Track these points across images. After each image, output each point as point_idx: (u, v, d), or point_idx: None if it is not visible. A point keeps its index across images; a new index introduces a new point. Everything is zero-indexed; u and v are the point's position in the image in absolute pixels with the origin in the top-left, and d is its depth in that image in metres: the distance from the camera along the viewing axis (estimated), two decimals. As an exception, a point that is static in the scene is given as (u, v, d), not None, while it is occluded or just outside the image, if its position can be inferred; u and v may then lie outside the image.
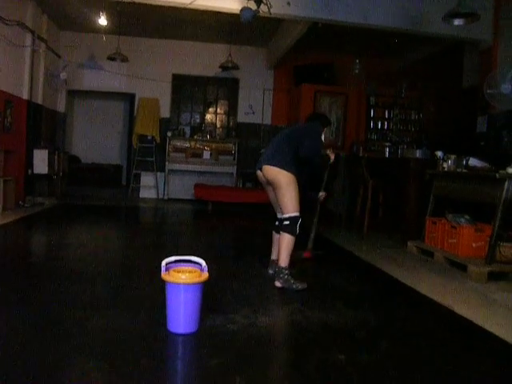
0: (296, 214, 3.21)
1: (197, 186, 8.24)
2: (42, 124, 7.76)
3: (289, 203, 3.22)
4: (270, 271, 3.49)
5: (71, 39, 8.69)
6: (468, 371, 2.11)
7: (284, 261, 3.18)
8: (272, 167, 3.28)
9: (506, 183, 3.83)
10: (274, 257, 3.52)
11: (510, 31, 5.74)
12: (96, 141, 10.49)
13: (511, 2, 5.73)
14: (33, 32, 7.05)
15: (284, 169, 3.24)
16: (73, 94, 9.60)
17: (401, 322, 2.77)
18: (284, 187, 3.22)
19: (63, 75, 7.84)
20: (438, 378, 2.03)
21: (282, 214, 3.27)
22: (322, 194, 4.11)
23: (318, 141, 3.51)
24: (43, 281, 3.22)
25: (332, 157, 3.80)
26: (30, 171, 7.21)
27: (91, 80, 8.95)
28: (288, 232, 3.19)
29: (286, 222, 3.20)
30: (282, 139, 3.43)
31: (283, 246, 3.20)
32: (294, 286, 3.11)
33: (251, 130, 9.44)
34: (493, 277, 3.76)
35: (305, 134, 3.48)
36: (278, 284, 3.16)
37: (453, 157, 4.63)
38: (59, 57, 8.47)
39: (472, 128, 6.32)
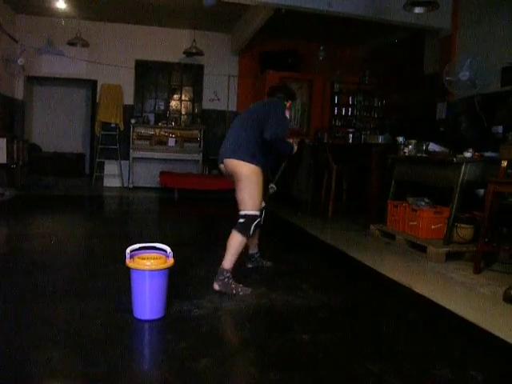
0: (254, 212, 2.84)
1: (162, 173, 8.16)
2: (-1, 111, 7.49)
3: (247, 199, 2.85)
4: (249, 265, 3.38)
5: (28, 23, 8.37)
6: (425, 346, 2.21)
7: (227, 262, 2.82)
8: (232, 160, 2.90)
9: (463, 167, 3.98)
10: (251, 251, 3.39)
11: (469, 20, 5.91)
12: (57, 129, 10.18)
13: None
14: (-14, 15, 6.77)
15: (245, 160, 2.85)
16: (32, 81, 9.27)
17: (363, 301, 2.86)
18: (243, 180, 2.85)
19: (20, 61, 7.57)
20: (398, 352, 2.12)
21: (239, 209, 2.89)
22: (272, 186, 3.45)
23: (283, 118, 3.00)
24: (4, 272, 3.14)
25: (295, 147, 3.13)
26: (-13, 161, 6.96)
27: (51, 66, 8.65)
28: (240, 232, 2.81)
29: (241, 220, 2.83)
30: (241, 124, 2.98)
31: (231, 245, 2.82)
32: (234, 292, 2.75)
33: (217, 117, 9.40)
34: (450, 257, 3.92)
35: (267, 111, 2.96)
36: (216, 287, 2.79)
37: (413, 142, 4.76)
38: (16, 41, 8.15)
39: (432, 114, 6.50)
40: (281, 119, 2.95)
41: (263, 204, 3.05)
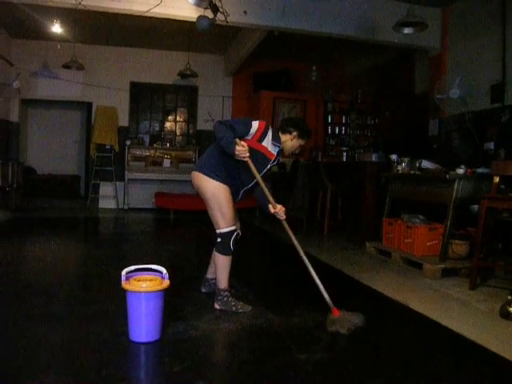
0: (228, 229, 2.77)
1: (157, 194, 8.17)
2: (-6, 134, 7.51)
3: (218, 216, 2.76)
4: (203, 289, 3.21)
5: (24, 47, 8.46)
6: (422, 364, 2.20)
7: (221, 282, 2.83)
8: (195, 173, 2.85)
9: (456, 183, 4.02)
10: (208, 275, 3.20)
11: (458, 39, 6.03)
12: (52, 151, 10.21)
13: (457, 11, 6.02)
14: (-18, 40, 6.83)
15: (207, 175, 2.77)
16: (27, 103, 9.32)
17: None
18: (209, 199, 2.77)
19: (16, 84, 7.61)
20: (395, 370, 2.11)
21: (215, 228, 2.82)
22: (270, 207, 2.88)
23: (241, 120, 2.82)
24: (-2, 296, 3.12)
25: (237, 149, 2.62)
26: (-19, 183, 6.95)
27: (46, 89, 8.72)
28: (221, 252, 2.80)
29: (218, 240, 2.80)
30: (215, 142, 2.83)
31: (218, 266, 2.83)
32: (234, 309, 2.78)
33: (211, 138, 9.44)
34: (446, 273, 3.93)
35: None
36: (216, 306, 2.83)
37: (406, 159, 4.81)
38: (12, 65, 8.22)
39: (424, 131, 6.58)
40: (238, 119, 2.86)
41: (238, 226, 2.93)
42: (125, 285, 2.30)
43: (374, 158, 5.77)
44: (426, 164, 4.62)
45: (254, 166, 2.76)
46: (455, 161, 4.85)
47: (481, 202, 3.60)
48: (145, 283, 2.30)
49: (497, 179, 3.62)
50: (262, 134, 2.82)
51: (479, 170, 4.18)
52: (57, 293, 3.22)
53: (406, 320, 2.89)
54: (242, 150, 2.65)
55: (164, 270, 2.38)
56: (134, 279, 2.34)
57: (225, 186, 2.78)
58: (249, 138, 2.77)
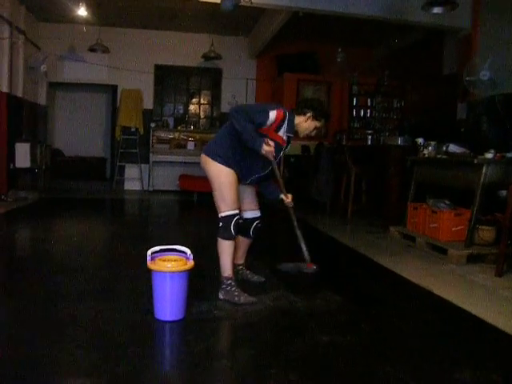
0: (229, 212, 2.69)
1: (182, 176, 8.24)
2: (23, 117, 7.66)
3: (220, 201, 2.72)
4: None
5: (51, 30, 8.56)
6: (445, 348, 2.19)
7: (224, 270, 2.74)
8: (203, 155, 2.79)
9: (484, 168, 3.93)
10: (236, 261, 3.03)
11: (489, 19, 5.83)
12: (79, 133, 10.36)
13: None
14: (10, 23, 6.93)
15: (211, 157, 2.71)
16: (54, 87, 9.46)
17: (382, 304, 2.85)
18: (212, 182, 2.73)
19: (43, 67, 7.73)
20: (417, 354, 2.11)
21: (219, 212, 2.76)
22: (282, 196, 2.90)
23: (257, 106, 2.77)
24: (30, 274, 3.22)
25: (264, 149, 2.60)
26: (11, 165, 7.13)
27: (72, 72, 8.84)
28: (221, 236, 2.71)
29: (220, 224, 2.73)
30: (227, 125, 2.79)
31: (219, 252, 2.75)
32: (236, 299, 2.64)
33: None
34: (472, 259, 3.87)
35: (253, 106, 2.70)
36: (220, 296, 2.71)
37: (433, 143, 4.71)
38: (39, 48, 8.34)
39: (452, 115, 6.42)
40: (253, 106, 2.78)
41: (258, 214, 2.97)
42: (150, 265, 2.34)
43: (399, 141, 5.68)
44: (453, 148, 4.53)
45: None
46: (484, 145, 4.72)
47: (510, 187, 3.52)
48: (170, 263, 2.34)
49: (527, 164, 3.53)
50: (280, 124, 2.73)
51: (509, 155, 4.07)
52: (84, 271, 3.31)
53: (429, 305, 2.87)
54: (270, 150, 2.61)
55: (188, 251, 2.42)
56: (160, 259, 2.39)
57: (230, 169, 2.69)
58: (265, 127, 2.69)
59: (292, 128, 2.82)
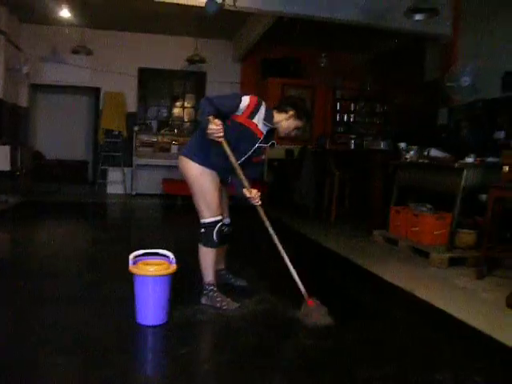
0: (212, 219, 2.59)
1: (165, 180, 8.19)
2: (3, 119, 7.53)
3: (202, 206, 2.61)
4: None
5: (33, 32, 8.44)
6: (427, 351, 2.21)
7: (205, 275, 2.68)
8: (180, 156, 2.68)
9: (465, 172, 3.99)
10: (216, 266, 2.85)
11: (469, 26, 5.94)
12: (61, 136, 10.22)
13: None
14: (-9, 24, 6.83)
15: (188, 156, 2.61)
16: (36, 88, 9.33)
17: (365, 307, 2.87)
18: (191, 185, 2.61)
19: (25, 69, 7.63)
20: (401, 357, 2.12)
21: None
22: (245, 191, 2.63)
23: (228, 95, 2.66)
24: (9, 278, 3.16)
25: (211, 126, 2.40)
26: (-9, 168, 6.99)
27: (54, 74, 8.71)
28: (203, 243, 2.64)
29: (201, 231, 2.64)
30: None
31: (200, 259, 2.68)
32: (219, 305, 2.60)
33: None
34: (453, 262, 3.92)
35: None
36: (202, 301, 2.67)
37: (415, 148, 4.77)
38: (20, 50, 8.22)
39: (434, 120, 6.52)
40: (224, 95, 2.64)
41: (227, 220, 2.85)
42: (132, 269, 2.32)
43: (382, 145, 5.74)
44: (434, 152, 4.58)
45: (241, 144, 2.58)
46: (464, 150, 4.79)
47: (489, 191, 3.58)
48: (152, 267, 2.32)
49: (506, 169, 3.58)
50: (253, 110, 2.58)
51: (489, 159, 4.14)
52: (65, 276, 3.27)
53: (411, 308, 2.90)
54: (214, 128, 2.40)
55: (171, 255, 2.40)
56: (142, 263, 2.36)
57: (209, 170, 2.59)
58: (239, 113, 2.56)
59: (270, 118, 2.65)
